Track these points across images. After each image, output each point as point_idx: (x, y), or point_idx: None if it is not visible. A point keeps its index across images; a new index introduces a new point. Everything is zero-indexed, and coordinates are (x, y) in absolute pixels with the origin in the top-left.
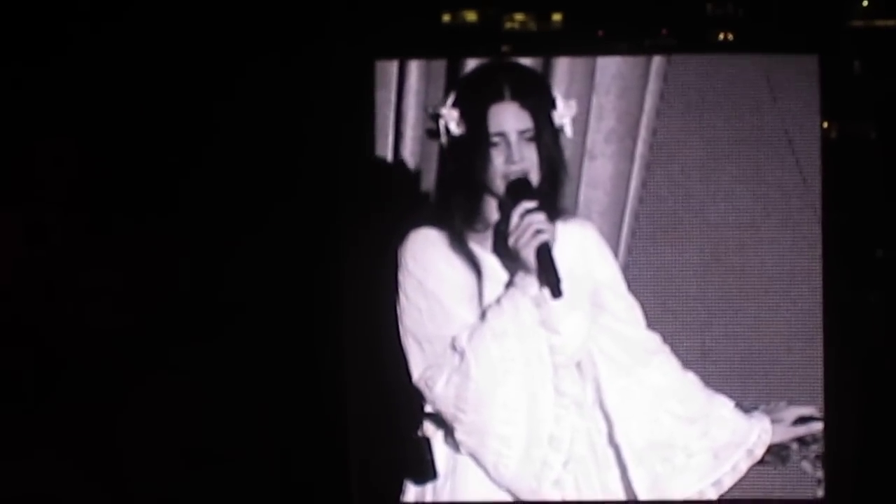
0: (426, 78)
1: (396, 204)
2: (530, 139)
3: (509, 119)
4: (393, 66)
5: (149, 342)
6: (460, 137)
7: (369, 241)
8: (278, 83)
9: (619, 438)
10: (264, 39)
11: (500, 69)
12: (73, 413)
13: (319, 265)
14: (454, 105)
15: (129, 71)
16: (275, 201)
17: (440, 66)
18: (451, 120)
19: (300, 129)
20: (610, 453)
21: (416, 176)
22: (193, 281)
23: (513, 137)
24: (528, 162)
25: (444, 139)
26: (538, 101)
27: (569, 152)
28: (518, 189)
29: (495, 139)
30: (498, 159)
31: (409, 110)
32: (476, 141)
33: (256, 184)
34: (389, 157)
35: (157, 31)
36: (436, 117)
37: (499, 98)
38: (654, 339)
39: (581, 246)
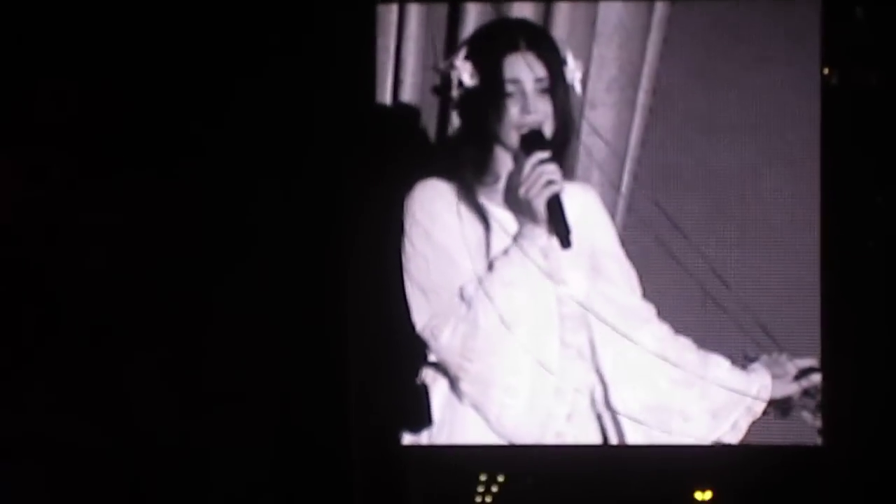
0: (426, 24)
1: (399, 153)
2: (545, 90)
3: (525, 68)
4: (393, 13)
5: (152, 284)
6: (474, 89)
7: (373, 190)
8: (279, 29)
9: (615, 402)
10: None
11: (513, 23)
12: (73, 355)
13: (324, 213)
14: (467, 57)
15: (136, 19)
16: (277, 148)
17: (441, 12)
18: (465, 72)
19: (300, 76)
20: (607, 415)
21: (417, 125)
22: (201, 222)
23: (528, 87)
24: (542, 114)
25: (455, 93)
26: (552, 52)
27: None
28: (532, 140)
29: (510, 88)
30: (513, 109)
31: (409, 57)
32: (491, 90)
33: (259, 130)
34: (388, 104)
35: None
36: (447, 71)
37: (514, 48)
38: (648, 308)
39: (582, 210)
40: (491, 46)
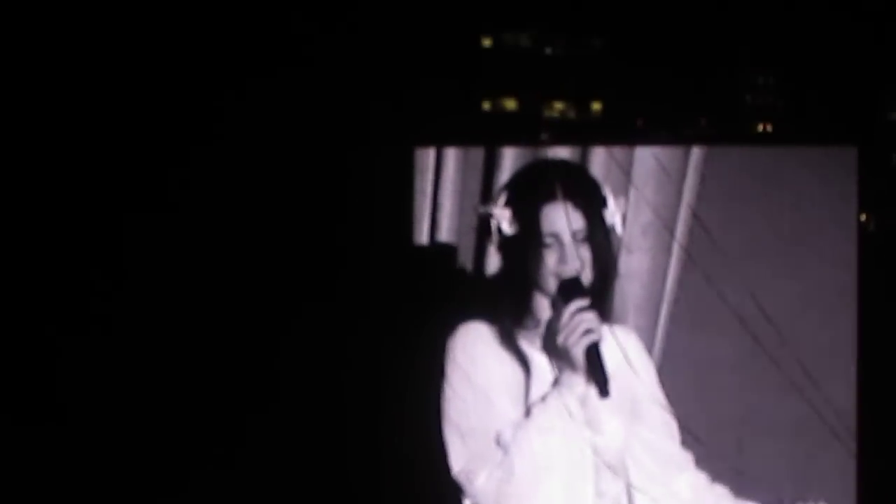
0: (463, 167)
1: (438, 295)
2: (583, 239)
3: (562, 218)
4: (430, 156)
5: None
6: (512, 237)
7: (409, 332)
8: (319, 173)
9: None
10: (303, 130)
11: (551, 168)
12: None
13: (362, 354)
14: (506, 205)
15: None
16: (312, 287)
17: (478, 155)
18: (504, 220)
19: (338, 217)
20: None
21: (455, 267)
22: (230, 370)
23: (566, 238)
24: (580, 262)
25: (495, 239)
26: (591, 200)
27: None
28: (570, 288)
29: (548, 240)
30: (550, 259)
31: (446, 200)
32: (529, 241)
33: (296, 268)
34: (426, 245)
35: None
36: (486, 217)
37: (552, 198)
38: (686, 456)
39: (623, 356)
40: (529, 196)
